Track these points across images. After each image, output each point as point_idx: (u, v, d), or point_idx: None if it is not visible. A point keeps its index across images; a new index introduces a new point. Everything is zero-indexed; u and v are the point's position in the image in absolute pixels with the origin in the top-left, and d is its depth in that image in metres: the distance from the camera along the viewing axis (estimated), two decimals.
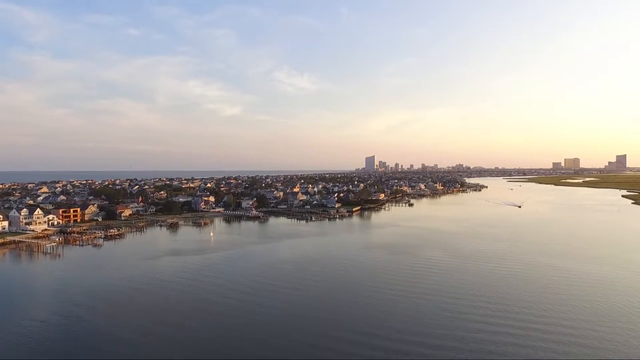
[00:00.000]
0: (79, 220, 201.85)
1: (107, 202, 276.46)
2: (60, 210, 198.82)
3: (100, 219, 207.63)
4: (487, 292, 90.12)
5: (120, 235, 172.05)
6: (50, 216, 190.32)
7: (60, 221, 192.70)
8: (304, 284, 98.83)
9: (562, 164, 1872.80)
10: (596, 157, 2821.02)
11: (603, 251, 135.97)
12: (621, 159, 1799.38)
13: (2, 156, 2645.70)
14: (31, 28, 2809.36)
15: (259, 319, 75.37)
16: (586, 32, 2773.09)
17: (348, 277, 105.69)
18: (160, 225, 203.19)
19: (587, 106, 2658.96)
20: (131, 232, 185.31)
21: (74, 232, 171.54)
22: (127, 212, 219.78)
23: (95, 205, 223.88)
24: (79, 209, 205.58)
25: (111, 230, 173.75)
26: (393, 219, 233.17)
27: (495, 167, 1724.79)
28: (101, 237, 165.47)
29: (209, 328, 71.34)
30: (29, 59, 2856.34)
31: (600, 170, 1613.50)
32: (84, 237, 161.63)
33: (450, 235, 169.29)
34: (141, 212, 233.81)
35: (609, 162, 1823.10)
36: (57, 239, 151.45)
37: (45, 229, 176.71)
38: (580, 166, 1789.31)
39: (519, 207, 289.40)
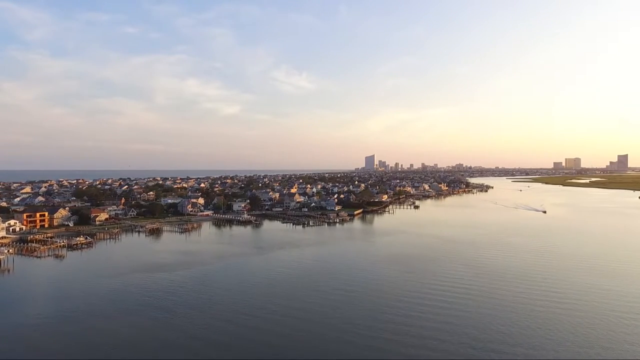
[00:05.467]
0: (46, 225, 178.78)
1: (88, 204, 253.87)
2: (25, 215, 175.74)
3: (71, 224, 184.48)
4: (531, 335, 67.47)
5: (88, 245, 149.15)
6: (12, 221, 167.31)
7: (24, 227, 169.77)
8: (295, 316, 76.02)
9: (563, 164, 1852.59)
10: (597, 157, 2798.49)
11: None
12: (623, 159, 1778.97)
13: (0, 156, 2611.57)
14: (28, 26, 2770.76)
15: None
16: (586, 31, 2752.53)
17: (350, 308, 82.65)
18: (139, 232, 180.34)
19: (588, 106, 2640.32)
20: (104, 239, 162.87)
21: (34, 241, 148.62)
22: (102, 216, 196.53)
23: (67, 208, 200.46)
24: (46, 213, 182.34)
25: (77, 239, 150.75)
26: (399, 224, 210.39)
27: (496, 167, 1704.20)
28: (64, 247, 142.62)
29: None
30: (26, 57, 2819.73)
31: (602, 170, 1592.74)
32: (42, 248, 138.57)
33: (468, 246, 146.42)
34: (120, 216, 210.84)
35: (610, 162, 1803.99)
36: (7, 250, 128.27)
37: (3, 237, 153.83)
38: (582, 166, 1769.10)
39: (544, 212, 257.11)
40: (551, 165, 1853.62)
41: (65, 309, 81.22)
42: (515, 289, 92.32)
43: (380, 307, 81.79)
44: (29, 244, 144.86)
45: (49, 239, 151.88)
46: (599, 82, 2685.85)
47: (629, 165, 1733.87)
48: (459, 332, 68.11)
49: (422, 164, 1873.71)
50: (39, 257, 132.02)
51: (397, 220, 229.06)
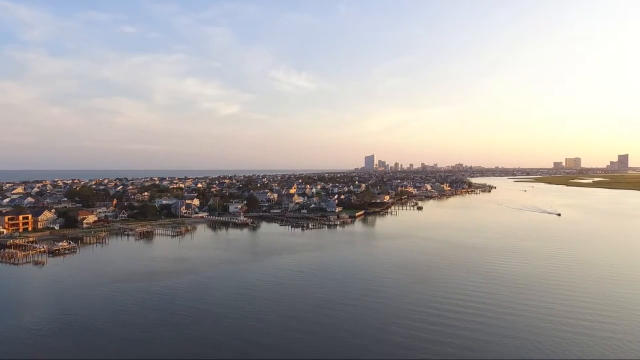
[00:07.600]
0: (30, 228, 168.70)
1: (79, 205, 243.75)
2: (6, 217, 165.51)
3: (57, 227, 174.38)
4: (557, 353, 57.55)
5: (71, 250, 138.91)
6: None
7: (5, 230, 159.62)
8: (293, 330, 65.98)
9: (563, 164, 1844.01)
10: (597, 157, 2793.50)
11: None
12: (623, 158, 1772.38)
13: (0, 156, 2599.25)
14: (26, 25, 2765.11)
15: None
16: (586, 31, 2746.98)
17: (352, 322, 72.54)
18: (128, 235, 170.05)
19: (588, 105, 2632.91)
20: (90, 243, 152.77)
21: (12, 246, 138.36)
22: (90, 219, 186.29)
23: (53, 210, 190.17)
24: (30, 216, 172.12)
25: (60, 244, 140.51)
26: (403, 227, 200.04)
27: (496, 167, 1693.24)
28: (45, 253, 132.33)
29: None
30: (25, 57, 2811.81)
31: (603, 170, 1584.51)
32: (19, 254, 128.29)
33: (480, 252, 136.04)
34: (110, 218, 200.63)
35: (611, 162, 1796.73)
36: None
37: None
38: (582, 166, 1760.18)
39: (559, 215, 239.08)
40: (551, 165, 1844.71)
41: (31, 322, 71.14)
42: (536, 302, 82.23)
43: (385, 320, 71.74)
44: (8, 250, 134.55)
45: (30, 244, 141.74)
46: (599, 82, 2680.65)
47: (629, 165, 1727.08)
48: (475, 348, 58.17)
49: (422, 163, 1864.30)
50: (16, 264, 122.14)
51: (400, 222, 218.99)
